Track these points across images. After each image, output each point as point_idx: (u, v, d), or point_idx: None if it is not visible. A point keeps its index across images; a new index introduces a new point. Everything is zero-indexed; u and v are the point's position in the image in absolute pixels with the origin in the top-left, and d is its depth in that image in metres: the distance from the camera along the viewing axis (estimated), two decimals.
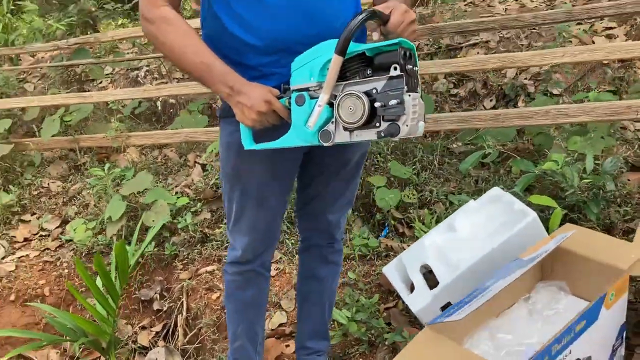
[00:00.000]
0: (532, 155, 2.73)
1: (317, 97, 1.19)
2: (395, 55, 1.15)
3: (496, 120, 2.56)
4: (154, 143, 3.55)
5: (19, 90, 4.58)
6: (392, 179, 2.72)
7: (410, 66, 1.19)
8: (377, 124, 1.16)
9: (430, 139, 3.06)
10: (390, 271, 2.21)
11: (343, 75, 1.19)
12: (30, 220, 3.35)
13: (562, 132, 2.64)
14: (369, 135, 1.18)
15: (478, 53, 4.62)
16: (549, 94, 3.48)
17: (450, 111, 4.23)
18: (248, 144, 1.34)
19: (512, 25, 3.01)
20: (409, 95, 1.15)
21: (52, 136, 3.57)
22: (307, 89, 1.22)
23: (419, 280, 2.08)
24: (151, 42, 1.38)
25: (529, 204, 2.22)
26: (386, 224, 2.63)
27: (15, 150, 3.64)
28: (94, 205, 3.21)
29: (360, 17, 1.15)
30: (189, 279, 2.72)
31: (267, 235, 1.65)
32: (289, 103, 1.26)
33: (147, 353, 2.57)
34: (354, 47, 1.18)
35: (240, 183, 1.54)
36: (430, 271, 2.05)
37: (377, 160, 2.81)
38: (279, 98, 1.27)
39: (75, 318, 2.20)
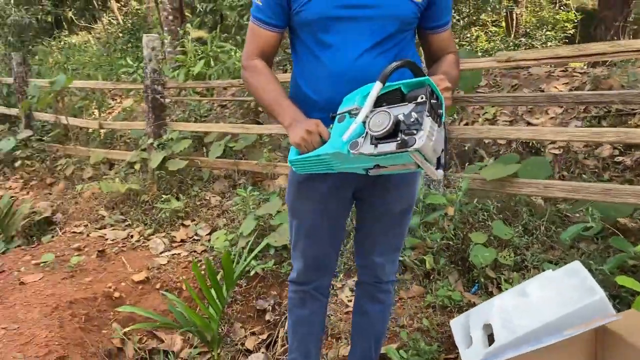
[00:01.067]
0: None
1: (356, 117, 1.38)
2: (423, 90, 1.34)
3: (606, 194, 2.49)
4: None
5: (215, 117, 5.43)
6: (493, 238, 2.77)
7: (435, 101, 1.36)
8: (398, 138, 1.31)
9: (540, 202, 3.02)
10: (456, 324, 2.29)
11: (380, 104, 1.38)
12: (189, 225, 3.98)
13: None
14: (390, 147, 1.31)
15: None
16: None
17: (610, 180, 4.04)
18: (292, 156, 1.54)
19: None
20: (429, 118, 1.31)
21: (217, 158, 4.21)
22: (349, 112, 1.43)
23: (477, 337, 2.14)
24: (244, 83, 1.74)
25: (616, 285, 2.16)
26: (476, 281, 2.68)
27: (190, 166, 4.36)
28: (238, 221, 3.72)
29: (403, 60, 1.38)
30: None
31: (318, 265, 1.90)
32: (332, 127, 1.47)
33: (249, 355, 2.95)
34: (393, 83, 1.40)
35: (296, 216, 1.83)
36: None
37: (482, 218, 2.87)
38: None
39: (187, 310, 2.64)
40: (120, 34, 13.34)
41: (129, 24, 13.87)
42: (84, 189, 4.79)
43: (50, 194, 5.29)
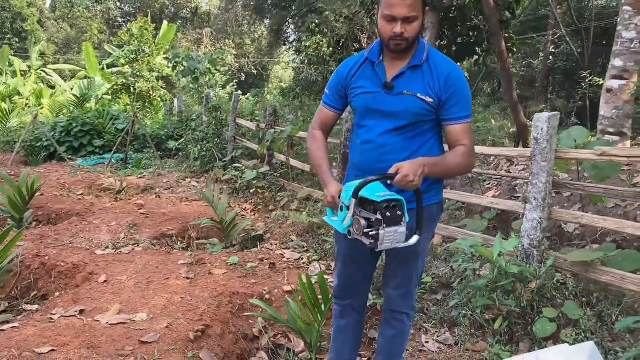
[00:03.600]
0: None
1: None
2: (379, 206, 1.98)
3: None
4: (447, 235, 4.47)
5: None
6: (561, 315, 2.93)
7: (393, 212, 1.98)
8: (369, 237, 2.00)
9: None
10: None
11: (360, 202, 2.06)
12: None
13: None
14: (365, 240, 2.03)
15: None
16: None
17: None
18: (326, 217, 2.30)
19: None
20: (384, 229, 1.96)
21: None
22: (344, 204, 2.12)
23: None
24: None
25: None
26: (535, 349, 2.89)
27: None
28: None
29: (370, 178, 2.03)
30: None
31: (348, 286, 2.51)
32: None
33: None
34: (364, 192, 2.04)
35: (336, 244, 2.49)
36: None
37: (555, 295, 3.04)
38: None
39: (295, 313, 3.41)
40: None
41: None
42: (288, 216, 5.95)
43: (268, 217, 6.62)
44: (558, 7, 20.10)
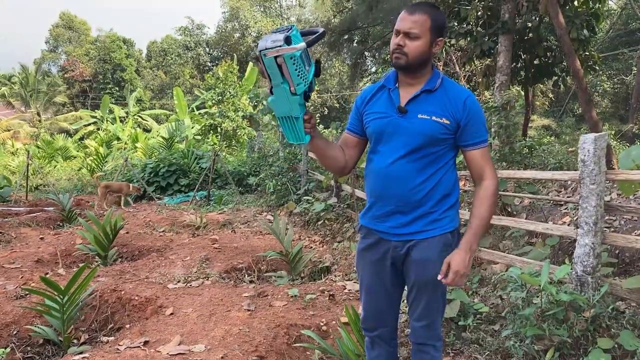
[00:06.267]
0: None
1: None
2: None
3: None
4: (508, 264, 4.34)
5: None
6: (617, 346, 2.76)
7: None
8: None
9: None
10: None
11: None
12: None
13: None
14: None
15: None
16: None
17: None
18: None
19: None
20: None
21: None
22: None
23: None
24: None
25: None
26: None
27: None
28: None
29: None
30: None
31: (375, 316, 2.51)
32: None
33: None
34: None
35: (359, 275, 2.52)
36: None
37: (609, 325, 2.86)
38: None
39: (347, 348, 3.42)
40: None
41: None
42: (350, 247, 5.99)
43: (336, 249, 6.68)
44: None
